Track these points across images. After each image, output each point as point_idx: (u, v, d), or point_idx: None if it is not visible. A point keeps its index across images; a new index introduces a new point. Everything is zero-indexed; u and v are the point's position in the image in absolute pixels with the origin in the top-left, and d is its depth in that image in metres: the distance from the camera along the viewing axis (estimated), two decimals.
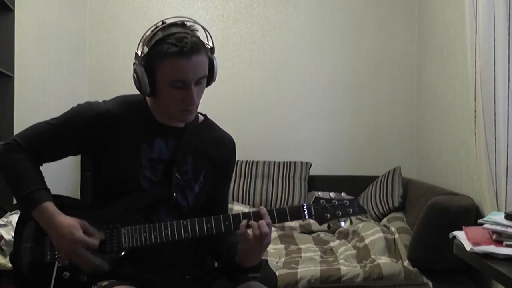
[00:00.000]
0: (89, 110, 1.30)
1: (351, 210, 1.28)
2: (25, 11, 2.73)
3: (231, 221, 1.25)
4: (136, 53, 1.23)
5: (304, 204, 1.28)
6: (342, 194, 1.31)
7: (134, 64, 1.25)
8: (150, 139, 1.32)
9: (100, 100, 1.35)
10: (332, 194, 1.30)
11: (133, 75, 1.25)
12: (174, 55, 1.18)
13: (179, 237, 1.24)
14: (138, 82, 1.24)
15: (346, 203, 1.28)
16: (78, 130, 1.29)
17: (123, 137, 1.30)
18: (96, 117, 1.29)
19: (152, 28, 1.23)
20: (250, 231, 1.23)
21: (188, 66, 1.20)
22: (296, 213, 1.27)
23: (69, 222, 1.21)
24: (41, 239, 1.26)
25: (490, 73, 2.01)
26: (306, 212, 1.27)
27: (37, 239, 1.27)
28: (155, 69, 1.21)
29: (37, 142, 1.30)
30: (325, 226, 1.31)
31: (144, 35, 1.24)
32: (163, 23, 1.23)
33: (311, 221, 1.31)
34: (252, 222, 1.23)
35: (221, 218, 1.25)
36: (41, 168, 1.34)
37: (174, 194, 1.31)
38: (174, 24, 1.23)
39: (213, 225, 1.24)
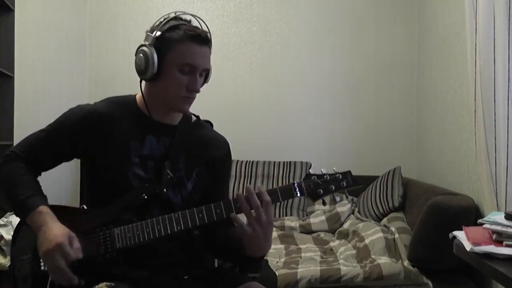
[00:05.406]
0: (78, 112, 1.32)
1: (344, 183, 1.25)
2: (25, 11, 2.73)
3: (222, 209, 1.21)
4: (148, 34, 1.26)
5: (295, 182, 1.24)
6: (333, 168, 1.28)
7: (141, 46, 1.26)
8: (141, 136, 1.32)
9: (97, 101, 1.36)
10: (323, 170, 1.27)
11: (139, 56, 1.25)
12: (189, 39, 1.24)
13: (172, 230, 1.21)
14: (145, 62, 1.23)
15: (339, 176, 1.26)
16: (68, 133, 1.31)
17: (113, 135, 1.30)
18: (84, 118, 1.30)
19: (165, 17, 1.28)
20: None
21: (200, 53, 1.26)
22: (288, 192, 1.22)
23: (59, 229, 1.18)
24: (35, 250, 1.24)
25: (490, 73, 2.01)
26: (297, 190, 1.22)
27: (32, 250, 1.26)
28: (167, 52, 1.24)
29: (34, 150, 1.32)
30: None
31: (154, 24, 1.28)
32: (175, 14, 1.29)
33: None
34: (242, 202, 1.17)
35: (212, 206, 1.21)
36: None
37: (165, 190, 1.29)
38: (183, 19, 1.30)
39: (205, 214, 1.21)
